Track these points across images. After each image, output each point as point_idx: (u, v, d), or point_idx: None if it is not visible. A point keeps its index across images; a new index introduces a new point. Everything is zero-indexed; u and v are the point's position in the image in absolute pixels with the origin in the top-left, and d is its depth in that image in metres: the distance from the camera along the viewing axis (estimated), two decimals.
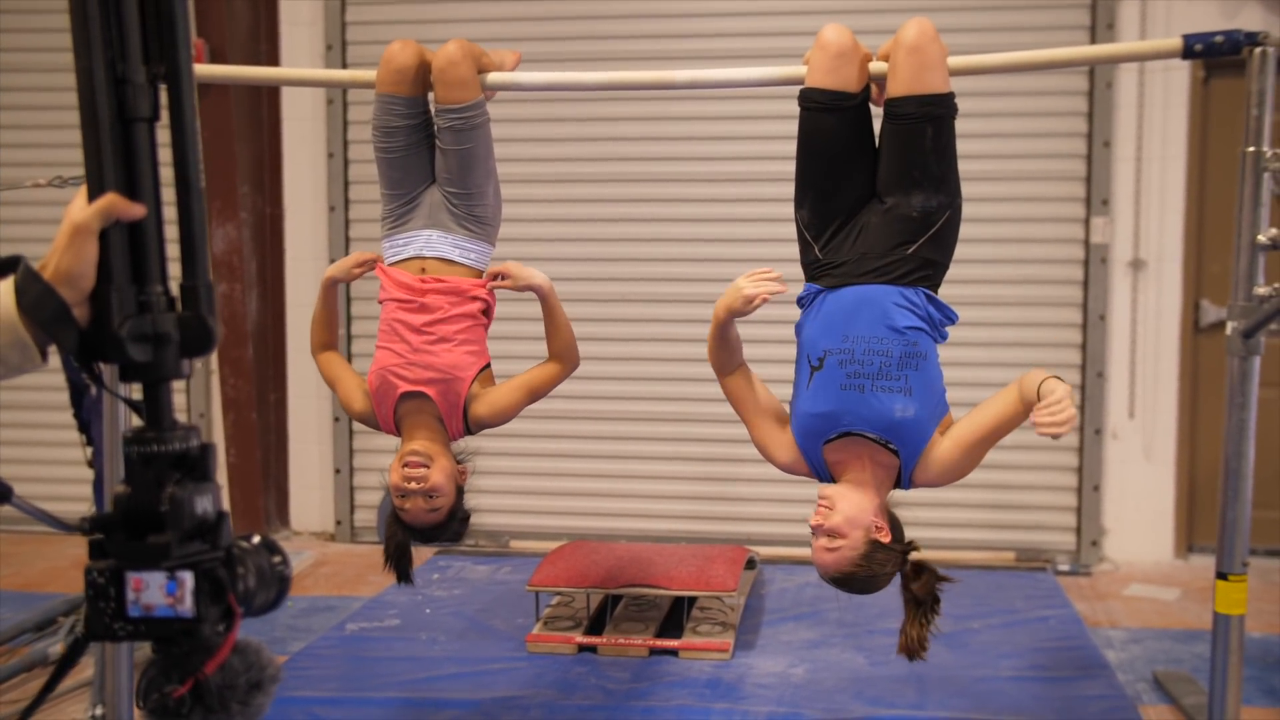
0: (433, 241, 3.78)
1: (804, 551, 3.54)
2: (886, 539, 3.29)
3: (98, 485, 3.14)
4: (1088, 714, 4.23)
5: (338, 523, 6.89)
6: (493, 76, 3.81)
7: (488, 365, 3.79)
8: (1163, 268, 6.22)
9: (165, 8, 1.40)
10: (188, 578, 1.32)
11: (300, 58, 6.69)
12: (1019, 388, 3.23)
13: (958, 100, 3.42)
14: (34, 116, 6.79)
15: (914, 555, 3.37)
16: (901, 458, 3.29)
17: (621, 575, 5.07)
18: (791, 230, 3.53)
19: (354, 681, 4.57)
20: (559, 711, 4.28)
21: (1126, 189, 6.19)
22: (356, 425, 6.57)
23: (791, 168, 3.53)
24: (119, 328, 1.37)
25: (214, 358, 6.78)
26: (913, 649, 3.35)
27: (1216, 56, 3.45)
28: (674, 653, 4.83)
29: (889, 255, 3.34)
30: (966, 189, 3.49)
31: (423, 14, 6.61)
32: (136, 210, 1.38)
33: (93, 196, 1.38)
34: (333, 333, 3.97)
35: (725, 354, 3.46)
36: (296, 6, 6.71)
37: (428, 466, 3.61)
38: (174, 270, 1.43)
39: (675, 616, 5.09)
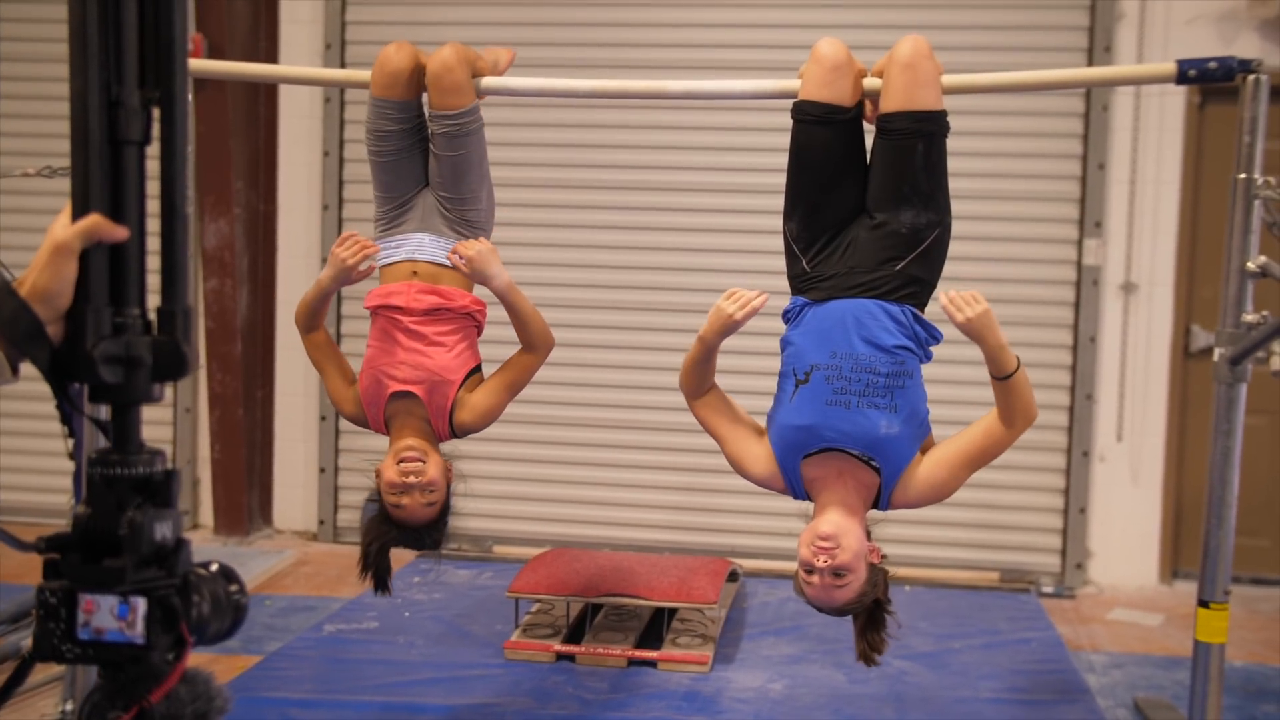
0: (424, 245, 3.78)
1: (787, 565, 3.52)
2: (878, 560, 3.29)
3: (77, 477, 3.13)
4: None
5: (320, 522, 6.86)
6: (486, 81, 3.80)
7: (478, 367, 3.78)
8: (1154, 292, 6.22)
9: (165, 33, 1.40)
10: (140, 603, 1.31)
11: (299, 56, 6.68)
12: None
13: (954, 119, 3.42)
14: (24, 106, 6.77)
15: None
16: (882, 476, 3.27)
17: (602, 584, 5.05)
18: (778, 243, 3.52)
19: (330, 684, 4.55)
20: None
21: (1120, 212, 6.19)
22: (343, 425, 6.57)
23: (781, 180, 3.51)
24: (92, 348, 1.36)
25: (202, 353, 6.76)
26: (870, 656, 3.34)
27: (1210, 82, 3.46)
28: (653, 664, 4.81)
29: (877, 270, 3.32)
30: (960, 207, 3.48)
31: (422, 16, 6.60)
32: (119, 233, 1.38)
33: (77, 216, 1.37)
34: (320, 318, 3.83)
35: (699, 378, 3.43)
36: (296, 5, 6.70)
37: (424, 461, 3.60)
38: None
39: (655, 627, 5.07)
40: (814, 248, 3.42)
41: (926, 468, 3.29)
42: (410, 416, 3.70)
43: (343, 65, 6.58)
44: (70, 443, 1.97)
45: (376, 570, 3.73)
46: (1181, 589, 6.24)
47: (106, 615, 1.31)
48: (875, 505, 3.34)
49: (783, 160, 3.50)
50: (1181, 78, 3.44)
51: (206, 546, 6.54)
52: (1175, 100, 6.12)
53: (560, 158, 6.58)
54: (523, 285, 3.72)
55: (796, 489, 3.36)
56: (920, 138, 3.34)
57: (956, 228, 3.46)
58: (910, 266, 3.33)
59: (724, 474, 6.27)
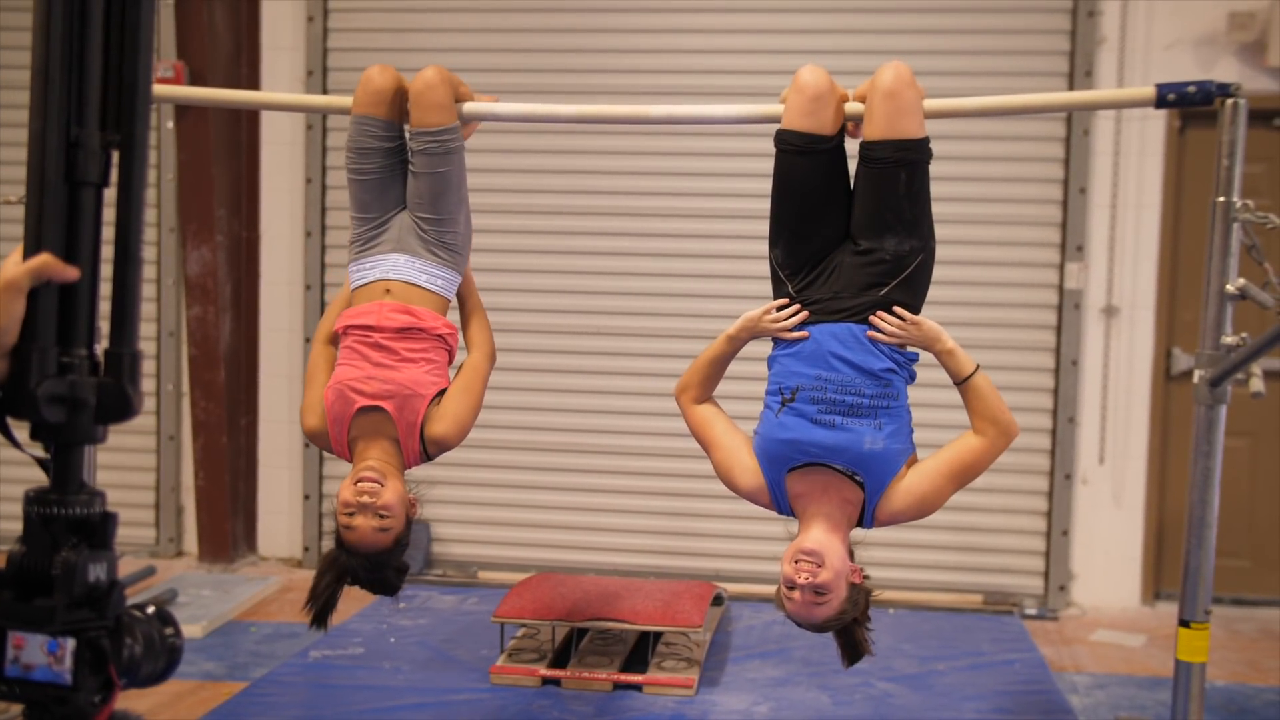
0: (399, 265, 3.70)
1: (771, 589, 3.51)
2: (859, 580, 3.30)
3: None
4: None
5: (305, 549, 6.84)
6: (469, 106, 3.80)
7: (447, 389, 3.68)
8: (1135, 315, 6.25)
9: (129, 77, 1.40)
10: (69, 643, 1.30)
11: (281, 82, 6.68)
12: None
13: (935, 144, 3.44)
14: (12, 135, 6.76)
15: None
16: (866, 491, 3.28)
17: (588, 608, 5.05)
18: (763, 267, 3.53)
19: (315, 710, 4.53)
20: None
21: (1101, 236, 6.23)
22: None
23: (764, 205, 3.53)
24: (35, 386, 1.35)
25: (185, 380, 6.76)
26: (856, 658, 3.37)
27: (1189, 106, 3.49)
28: (638, 688, 4.80)
29: (861, 296, 3.34)
30: (942, 231, 3.50)
31: (404, 43, 6.61)
32: (70, 273, 1.38)
33: (29, 254, 1.37)
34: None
35: (708, 379, 3.50)
36: (278, 31, 6.71)
37: (381, 484, 3.46)
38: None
39: (640, 651, 5.07)
40: (799, 274, 3.43)
41: (909, 480, 3.30)
42: (378, 436, 3.57)
43: (324, 92, 6.59)
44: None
45: (324, 603, 3.54)
46: (1164, 610, 6.26)
47: (35, 650, 1.30)
48: (860, 522, 3.35)
49: (766, 185, 3.51)
50: (1161, 102, 3.47)
51: (191, 574, 6.51)
52: (1156, 125, 6.17)
53: (543, 184, 6.59)
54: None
55: (781, 504, 3.37)
56: (903, 166, 3.36)
57: (939, 252, 3.48)
58: (894, 292, 3.35)
59: (708, 498, 6.34)
